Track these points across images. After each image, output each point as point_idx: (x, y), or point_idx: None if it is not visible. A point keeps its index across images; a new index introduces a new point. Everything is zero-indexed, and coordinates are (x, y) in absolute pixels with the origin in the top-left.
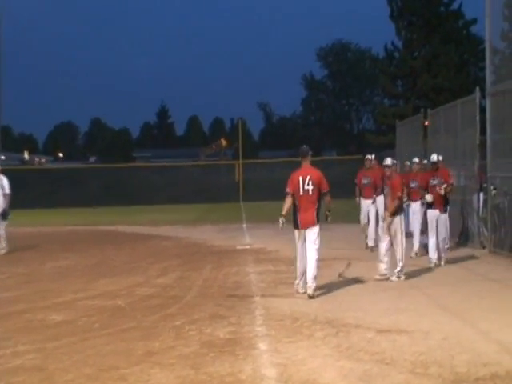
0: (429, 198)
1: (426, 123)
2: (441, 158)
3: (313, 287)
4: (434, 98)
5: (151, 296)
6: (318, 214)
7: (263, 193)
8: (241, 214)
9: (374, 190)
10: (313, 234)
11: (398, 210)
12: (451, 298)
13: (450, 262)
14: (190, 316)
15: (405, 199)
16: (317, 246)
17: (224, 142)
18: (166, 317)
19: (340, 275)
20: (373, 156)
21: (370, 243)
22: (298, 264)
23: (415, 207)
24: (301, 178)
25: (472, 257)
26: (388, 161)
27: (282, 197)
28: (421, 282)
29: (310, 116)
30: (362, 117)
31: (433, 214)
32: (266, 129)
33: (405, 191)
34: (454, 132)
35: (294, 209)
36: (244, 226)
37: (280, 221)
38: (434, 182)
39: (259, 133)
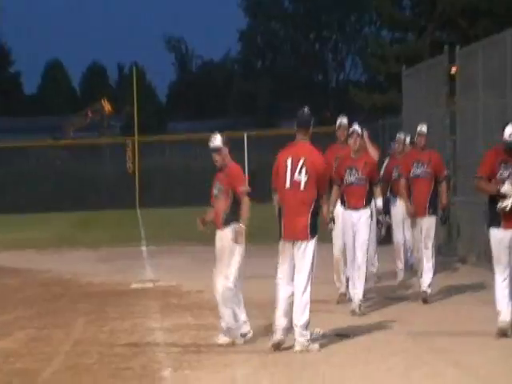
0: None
1: (454, 70)
2: (424, 128)
3: (303, 340)
4: (465, 28)
5: None
6: (313, 222)
7: (175, 193)
8: (137, 229)
9: (367, 193)
10: (302, 254)
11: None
12: (497, 370)
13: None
14: None
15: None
16: (307, 275)
17: (107, 106)
18: None
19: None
20: (355, 126)
21: (342, 289)
22: (280, 301)
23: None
24: (289, 161)
25: None
26: None
27: (207, 200)
28: (447, 343)
29: (256, 59)
30: (343, 61)
31: (502, 235)
32: (179, 83)
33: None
34: (500, 86)
35: (279, 211)
36: (143, 249)
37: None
38: (506, 174)
39: (169, 90)
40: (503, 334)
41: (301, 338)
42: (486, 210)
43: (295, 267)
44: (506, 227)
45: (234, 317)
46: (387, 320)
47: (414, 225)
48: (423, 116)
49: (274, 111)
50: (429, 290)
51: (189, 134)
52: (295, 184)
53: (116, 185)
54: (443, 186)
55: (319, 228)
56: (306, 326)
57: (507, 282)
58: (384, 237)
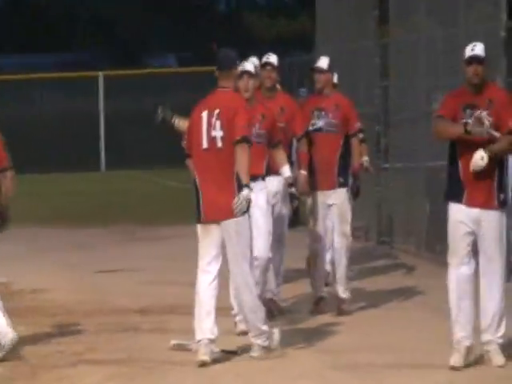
0: (480, 159)
1: None
2: (324, 62)
3: (261, 342)
4: None
5: None
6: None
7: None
8: None
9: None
10: (235, 234)
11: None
12: None
13: None
14: None
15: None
16: (244, 259)
17: None
18: None
19: (175, 346)
20: (248, 63)
21: None
22: (200, 300)
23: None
24: (205, 115)
25: None
26: None
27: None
28: (374, 366)
29: None
30: None
31: (464, 214)
32: (5, 3)
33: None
34: (450, 10)
35: (195, 180)
36: None
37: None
38: (481, 113)
39: None
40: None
41: (257, 339)
42: (447, 176)
43: (228, 253)
44: (471, 203)
45: None
46: (293, 335)
47: (314, 203)
48: (344, 52)
49: (138, 44)
50: (346, 296)
51: (22, 74)
52: (212, 142)
53: None
54: (355, 143)
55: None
56: (263, 320)
57: (463, 278)
58: (291, 218)
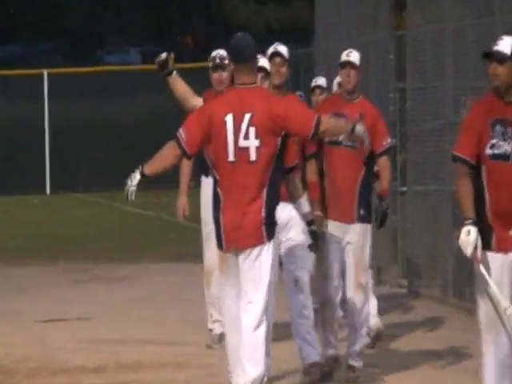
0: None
1: None
2: (354, 57)
3: None
4: None
5: None
6: (272, 214)
7: None
8: None
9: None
10: (253, 266)
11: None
12: None
13: None
14: None
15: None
16: (263, 298)
17: None
18: None
19: None
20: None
21: None
22: (230, 338)
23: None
24: (231, 119)
25: None
26: None
27: None
28: None
29: None
30: None
31: (496, 264)
32: None
33: None
34: None
35: (216, 200)
36: None
37: (129, 182)
38: (505, 146)
39: None
40: None
41: None
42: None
43: (242, 288)
44: (505, 247)
45: None
46: None
47: (326, 237)
48: (350, 46)
49: (94, 36)
50: (359, 365)
51: None
52: (242, 154)
53: None
54: (383, 164)
55: None
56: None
57: (504, 355)
58: None
